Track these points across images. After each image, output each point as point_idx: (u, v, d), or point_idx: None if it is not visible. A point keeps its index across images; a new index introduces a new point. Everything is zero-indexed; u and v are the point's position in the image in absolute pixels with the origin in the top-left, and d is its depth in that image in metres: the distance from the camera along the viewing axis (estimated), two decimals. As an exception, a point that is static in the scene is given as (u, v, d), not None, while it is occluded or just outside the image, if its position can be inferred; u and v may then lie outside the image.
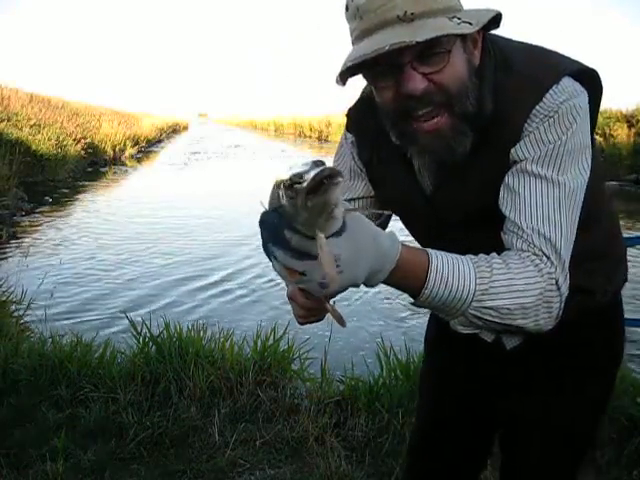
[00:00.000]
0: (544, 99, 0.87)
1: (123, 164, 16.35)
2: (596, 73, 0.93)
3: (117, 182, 12.96)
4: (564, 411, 1.08)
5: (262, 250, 0.72)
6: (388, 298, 4.70)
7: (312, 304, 0.77)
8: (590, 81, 0.92)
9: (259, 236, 0.71)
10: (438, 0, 0.82)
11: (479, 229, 0.95)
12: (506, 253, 0.88)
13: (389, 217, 1.09)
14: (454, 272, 0.82)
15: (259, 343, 2.81)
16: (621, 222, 1.20)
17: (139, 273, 5.50)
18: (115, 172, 14.51)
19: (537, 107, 0.88)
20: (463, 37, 0.86)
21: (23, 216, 8.14)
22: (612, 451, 2.13)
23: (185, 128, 47.29)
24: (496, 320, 0.84)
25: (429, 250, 0.83)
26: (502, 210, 0.91)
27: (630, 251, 1.22)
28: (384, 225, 1.07)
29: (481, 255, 0.86)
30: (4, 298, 3.89)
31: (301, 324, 0.84)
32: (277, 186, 0.67)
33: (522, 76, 0.89)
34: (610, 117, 14.18)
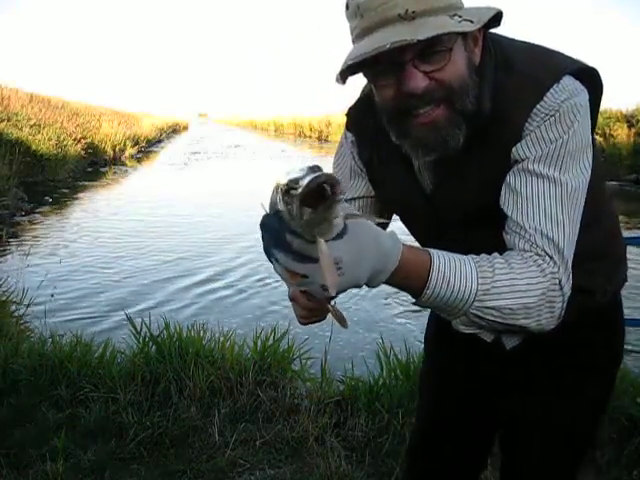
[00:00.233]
0: (545, 98, 0.87)
1: (123, 164, 16.34)
2: (596, 72, 0.93)
3: (117, 182, 12.96)
4: (564, 411, 1.08)
5: (263, 251, 0.72)
6: (388, 298, 4.70)
7: (314, 305, 0.77)
8: (590, 80, 0.91)
9: (259, 236, 0.71)
10: None
11: (479, 229, 0.95)
12: (508, 253, 0.87)
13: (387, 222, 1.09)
14: (456, 272, 0.81)
15: (259, 343, 2.81)
16: (621, 222, 1.20)
17: (139, 273, 5.50)
18: (115, 172, 14.50)
19: (538, 106, 0.87)
20: (464, 35, 0.86)
21: (23, 216, 8.14)
22: (612, 451, 2.12)
23: (185, 128, 47.28)
24: (498, 320, 0.84)
25: (431, 250, 0.83)
26: (504, 210, 0.90)
27: (630, 251, 1.22)
28: (382, 228, 1.07)
29: (483, 255, 0.86)
30: (4, 298, 3.89)
31: (303, 324, 0.84)
32: (276, 190, 0.67)
33: (523, 75, 0.89)
34: (610, 117, 14.18)
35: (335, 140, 22.06)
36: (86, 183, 12.15)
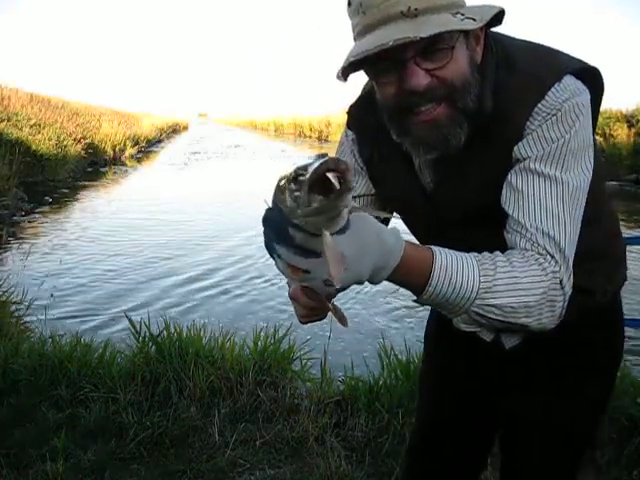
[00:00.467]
0: (546, 97, 0.87)
1: (123, 164, 16.34)
2: (598, 71, 0.93)
3: (117, 182, 12.96)
4: (564, 411, 1.08)
5: (264, 249, 0.71)
6: (389, 297, 4.70)
7: (314, 303, 0.77)
8: (592, 80, 0.92)
9: (259, 236, 0.71)
10: None
11: (478, 228, 0.95)
12: (510, 252, 0.87)
13: (389, 218, 1.09)
14: (458, 269, 0.81)
15: (259, 343, 2.81)
16: (621, 222, 1.20)
17: (139, 273, 5.50)
18: (115, 172, 14.50)
19: (539, 105, 0.87)
20: (466, 33, 0.86)
21: (23, 216, 8.14)
22: (612, 451, 2.12)
23: (185, 128, 47.26)
24: (499, 318, 0.84)
25: (433, 247, 0.83)
26: (505, 208, 0.90)
27: (630, 251, 1.22)
28: (385, 224, 1.06)
29: (485, 253, 0.86)
30: (4, 298, 3.89)
31: (303, 323, 0.84)
32: (280, 183, 0.65)
33: (524, 74, 0.89)
34: (610, 117, 14.18)
35: (335, 140, 22.04)
36: (86, 183, 12.15)
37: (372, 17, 0.83)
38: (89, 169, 14.36)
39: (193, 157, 18.98)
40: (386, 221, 1.08)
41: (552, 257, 0.86)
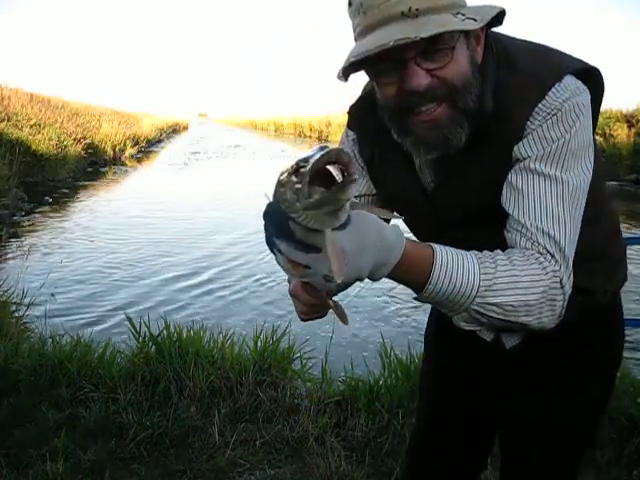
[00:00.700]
0: (546, 97, 0.87)
1: (123, 164, 16.34)
2: (598, 72, 0.93)
3: (117, 182, 12.96)
4: (564, 411, 1.08)
5: (265, 245, 0.71)
6: (389, 297, 4.70)
7: (315, 300, 0.77)
8: (592, 79, 0.92)
9: (259, 235, 0.70)
10: None
11: (478, 228, 0.95)
12: (510, 250, 0.88)
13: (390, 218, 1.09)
14: (459, 267, 0.82)
15: (259, 343, 2.81)
16: (621, 222, 1.20)
17: (139, 273, 5.50)
18: (115, 172, 14.50)
19: (539, 105, 0.87)
20: (467, 34, 0.86)
21: (23, 216, 8.14)
22: (612, 451, 2.12)
23: (185, 128, 47.27)
24: (499, 317, 0.84)
25: (434, 245, 0.83)
26: (505, 208, 0.90)
27: (630, 251, 1.22)
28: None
29: (485, 251, 0.86)
30: (4, 298, 3.88)
31: (303, 320, 0.84)
32: (280, 178, 0.65)
33: (525, 74, 0.89)
34: (610, 117, 14.18)
35: (335, 140, 22.03)
36: (86, 183, 12.15)
37: (373, 17, 0.83)
38: (89, 169, 14.36)
39: (193, 157, 18.98)
40: (387, 221, 1.08)
41: (552, 256, 0.86)
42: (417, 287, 0.83)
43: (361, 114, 1.07)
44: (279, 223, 0.67)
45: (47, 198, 9.59)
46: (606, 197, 1.10)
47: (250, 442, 2.28)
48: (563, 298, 0.86)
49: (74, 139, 14.05)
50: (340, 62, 0.87)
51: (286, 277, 0.81)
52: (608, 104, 13.73)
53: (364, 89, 1.09)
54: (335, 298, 0.83)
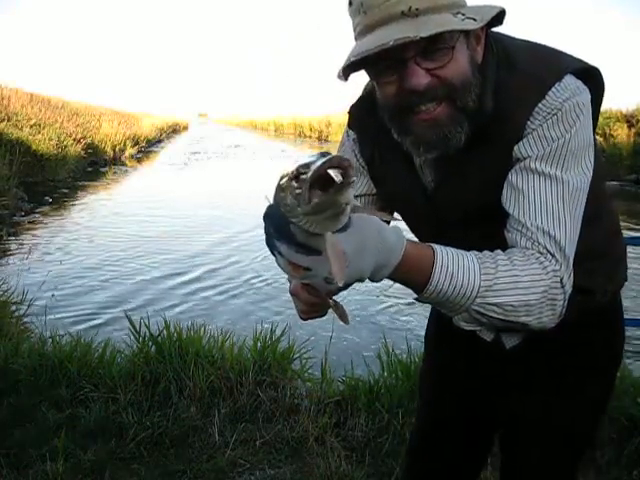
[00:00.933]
0: (547, 97, 0.87)
1: (123, 164, 16.33)
2: (598, 71, 0.93)
3: (117, 182, 12.96)
4: (564, 411, 1.08)
5: (265, 247, 0.71)
6: (389, 296, 4.70)
7: (315, 300, 0.77)
8: (592, 79, 0.92)
9: (259, 236, 0.70)
10: None
11: (478, 228, 0.95)
12: (510, 250, 0.88)
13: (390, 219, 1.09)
14: (459, 268, 0.82)
15: (259, 343, 2.81)
16: (621, 222, 1.20)
17: (139, 273, 5.50)
18: (115, 172, 14.49)
19: (540, 105, 0.87)
20: (467, 33, 0.86)
21: (23, 216, 8.13)
22: (612, 451, 2.12)
23: (185, 128, 47.25)
24: (500, 317, 0.84)
25: (434, 245, 0.83)
26: (505, 208, 0.90)
27: (630, 251, 1.22)
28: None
29: (486, 252, 0.86)
30: (4, 298, 3.88)
31: (303, 319, 0.84)
32: (281, 182, 0.65)
33: (525, 74, 0.89)
34: (610, 117, 14.18)
35: (335, 140, 22.06)
36: (86, 183, 12.14)
37: (373, 17, 0.83)
38: (89, 169, 14.35)
39: (193, 157, 18.97)
40: (387, 223, 1.08)
41: (552, 256, 0.86)
42: (418, 288, 0.83)
43: (361, 114, 1.07)
44: (279, 225, 0.67)
45: (47, 198, 9.59)
46: (606, 197, 1.10)
47: (250, 442, 2.28)
48: (563, 298, 0.86)
49: (74, 139, 14.04)
50: (340, 62, 0.87)
51: (286, 277, 0.81)
52: (608, 104, 13.74)
53: (364, 89, 1.09)
54: (335, 297, 0.83)
